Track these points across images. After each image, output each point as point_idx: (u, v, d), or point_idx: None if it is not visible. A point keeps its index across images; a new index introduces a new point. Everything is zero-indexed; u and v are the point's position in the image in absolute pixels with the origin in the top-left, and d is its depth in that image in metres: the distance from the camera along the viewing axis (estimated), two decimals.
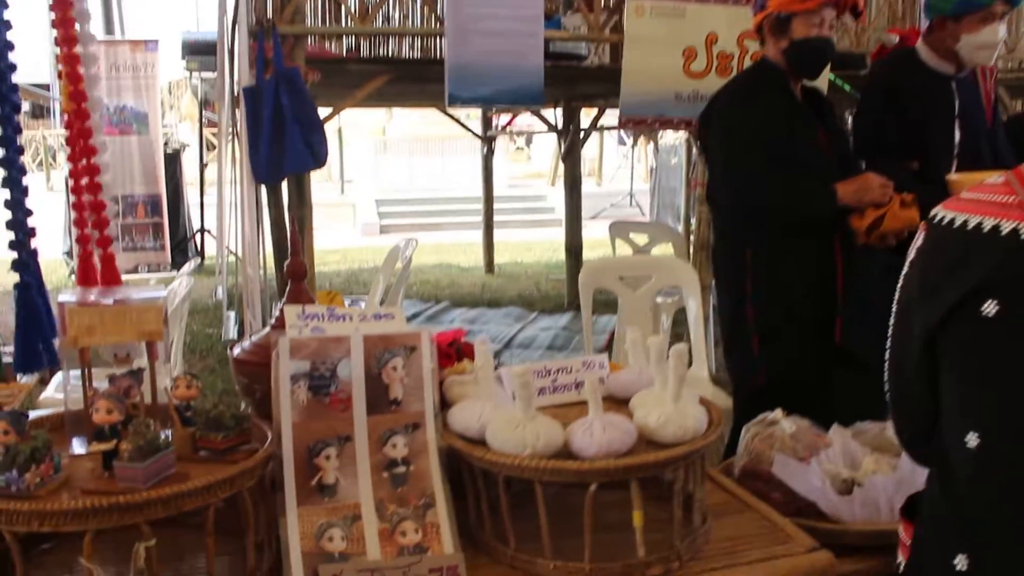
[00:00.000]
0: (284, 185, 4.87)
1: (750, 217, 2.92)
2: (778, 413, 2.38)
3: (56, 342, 3.06)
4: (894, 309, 1.57)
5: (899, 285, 1.54)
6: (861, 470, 2.24)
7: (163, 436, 1.64)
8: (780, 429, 2.35)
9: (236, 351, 2.20)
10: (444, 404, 2.00)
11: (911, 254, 1.51)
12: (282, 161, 4.43)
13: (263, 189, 5.38)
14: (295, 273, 2.26)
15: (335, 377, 1.79)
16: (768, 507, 2.10)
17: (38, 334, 2.70)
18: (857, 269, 2.94)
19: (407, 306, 8.18)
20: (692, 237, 6.40)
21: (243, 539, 1.71)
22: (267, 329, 2.25)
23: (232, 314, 6.92)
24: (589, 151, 18.80)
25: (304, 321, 1.99)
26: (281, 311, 2.15)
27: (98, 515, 1.47)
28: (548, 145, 19.64)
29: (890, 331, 1.58)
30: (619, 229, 5.81)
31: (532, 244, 13.39)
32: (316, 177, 18.11)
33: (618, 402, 2.06)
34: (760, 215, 2.89)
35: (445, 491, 1.82)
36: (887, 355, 1.61)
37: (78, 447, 1.78)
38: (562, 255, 11.43)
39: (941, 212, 1.48)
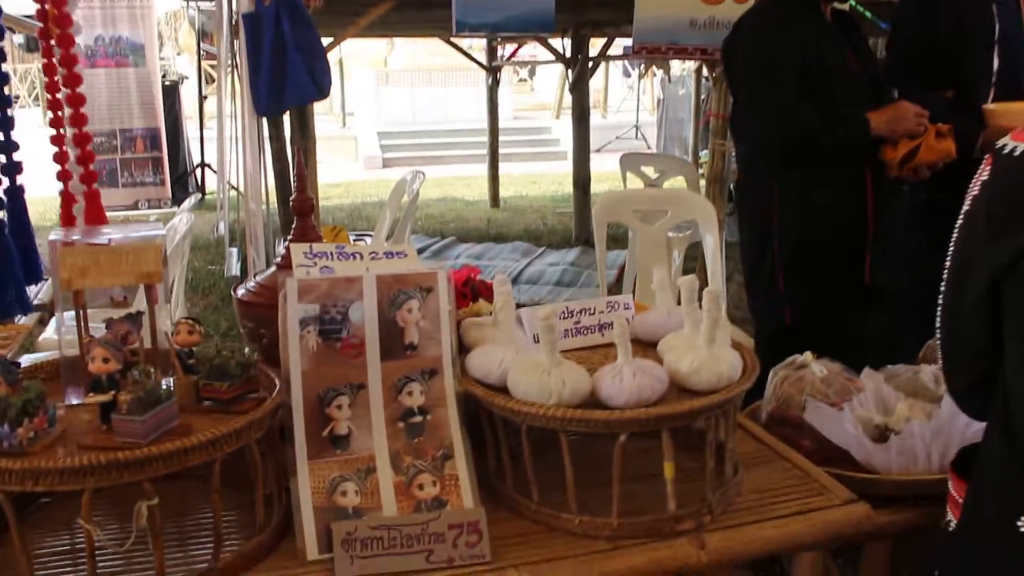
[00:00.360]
0: (286, 117, 4.72)
1: (778, 148, 2.77)
2: (808, 356, 2.28)
3: (40, 287, 2.90)
4: (952, 249, 1.45)
5: (960, 223, 1.42)
6: (894, 416, 2.14)
7: (164, 386, 1.53)
8: (810, 373, 2.24)
9: (240, 292, 2.09)
10: (461, 348, 1.90)
11: (974, 189, 1.39)
12: (283, 92, 4.27)
13: (264, 121, 5.23)
14: (302, 209, 2.14)
15: (346, 321, 1.68)
16: (800, 456, 2.00)
17: (10, 278, 2.53)
18: (888, 204, 2.80)
19: (412, 241, 8.05)
20: (702, 170, 6.26)
21: (251, 492, 1.61)
22: (272, 268, 2.14)
23: (234, 250, 6.80)
24: (594, 82, 18.45)
25: (312, 260, 1.87)
26: (287, 249, 2.04)
27: (96, 473, 1.37)
28: (552, 76, 19.35)
29: (946, 272, 1.46)
30: (630, 161, 5.65)
31: (537, 177, 13.21)
32: (317, 110, 17.85)
33: (644, 345, 1.96)
34: (789, 146, 2.74)
35: (464, 442, 1.72)
36: (941, 298, 1.49)
37: (74, 397, 1.67)
38: (568, 188, 11.28)
39: (1010, 143, 1.35)
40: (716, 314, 1.71)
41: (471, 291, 2.30)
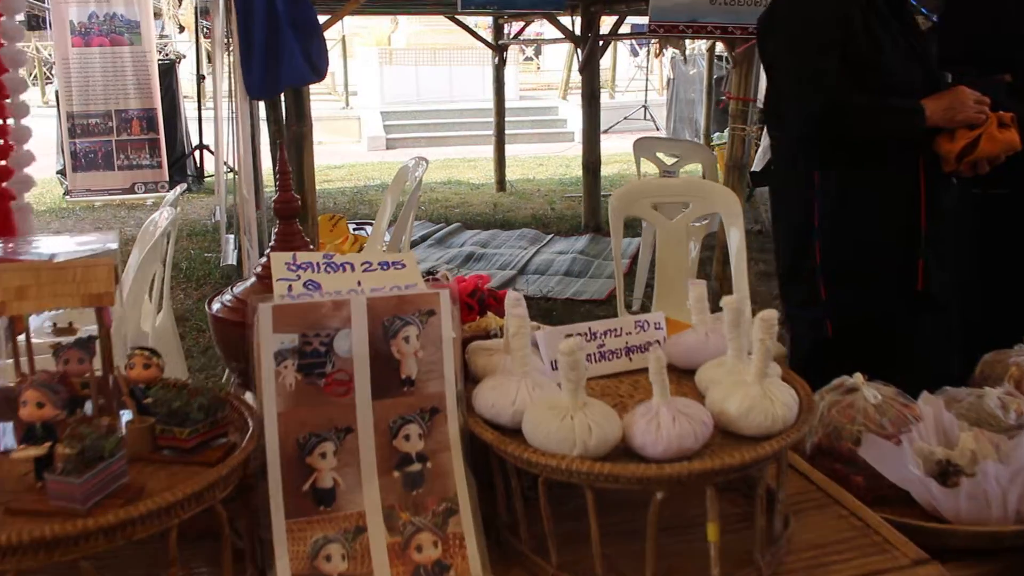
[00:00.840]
0: (282, 98, 4.44)
1: (822, 137, 2.47)
2: (858, 378, 2.02)
3: None
4: None
5: None
6: (957, 449, 1.89)
7: (117, 434, 1.28)
8: (861, 398, 1.99)
9: (215, 306, 1.83)
10: (467, 376, 1.64)
11: None
12: (278, 74, 3.99)
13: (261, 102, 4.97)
14: (285, 211, 1.88)
15: (331, 353, 1.41)
16: (854, 500, 1.74)
17: None
18: (942, 201, 2.52)
19: (416, 229, 7.78)
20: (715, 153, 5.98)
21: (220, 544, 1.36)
22: (252, 279, 1.88)
23: (231, 237, 6.54)
24: (602, 62, 18.17)
25: (295, 272, 1.61)
26: (267, 258, 1.79)
27: (18, 553, 1.11)
28: (558, 56, 19.02)
29: None
30: (644, 147, 5.38)
31: (544, 159, 12.92)
32: (318, 89, 17.62)
33: (679, 374, 1.70)
34: (834, 135, 2.45)
35: (471, 492, 1.46)
36: None
37: (8, 439, 1.41)
38: (576, 171, 11.02)
39: None
40: (770, 343, 1.45)
41: (479, 303, 2.04)
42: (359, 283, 1.60)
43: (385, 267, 1.68)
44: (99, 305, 1.42)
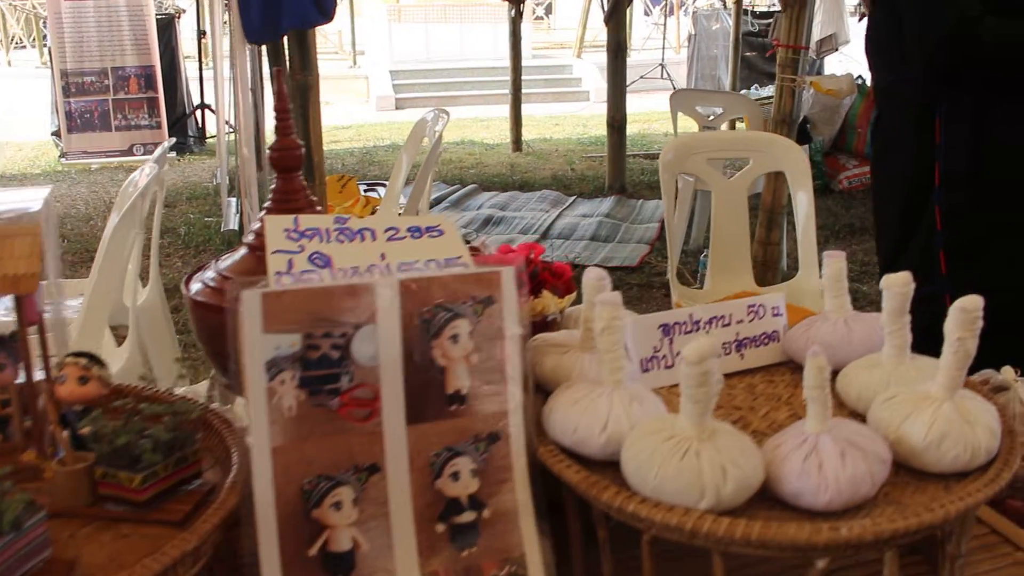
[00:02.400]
0: (286, 45, 3.98)
1: (948, 64, 1.97)
2: (1008, 373, 1.58)
3: None
4: None
5: None
6: None
7: (22, 496, 0.86)
8: (1016, 400, 1.55)
9: (194, 285, 1.41)
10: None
11: None
12: (279, 14, 3.54)
13: (263, 53, 4.52)
14: (284, 161, 1.46)
15: (348, 361, 1.00)
16: None
17: None
18: None
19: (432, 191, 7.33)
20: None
21: None
22: (242, 250, 1.46)
23: (233, 200, 6.11)
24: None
25: (297, 241, 1.20)
26: (261, 222, 1.38)
27: None
28: (571, 14, 18.46)
29: None
30: (682, 100, 4.91)
31: (559, 119, 12.42)
32: (324, 48, 17.06)
33: (798, 371, 1.28)
34: (967, 66, 1.95)
35: (544, 550, 1.05)
36: None
37: None
38: (593, 131, 10.56)
39: None
40: (971, 344, 1.03)
41: (531, 279, 1.62)
42: (383, 256, 1.19)
43: (416, 233, 1.26)
44: (17, 292, 1.00)
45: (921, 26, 1.96)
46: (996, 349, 1.76)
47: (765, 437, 1.09)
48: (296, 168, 1.47)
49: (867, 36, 2.20)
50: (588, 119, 11.90)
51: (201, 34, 9.79)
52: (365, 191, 5.43)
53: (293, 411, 0.97)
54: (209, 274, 1.41)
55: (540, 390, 1.21)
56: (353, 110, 13.86)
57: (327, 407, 0.99)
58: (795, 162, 3.00)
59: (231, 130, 6.56)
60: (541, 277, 1.63)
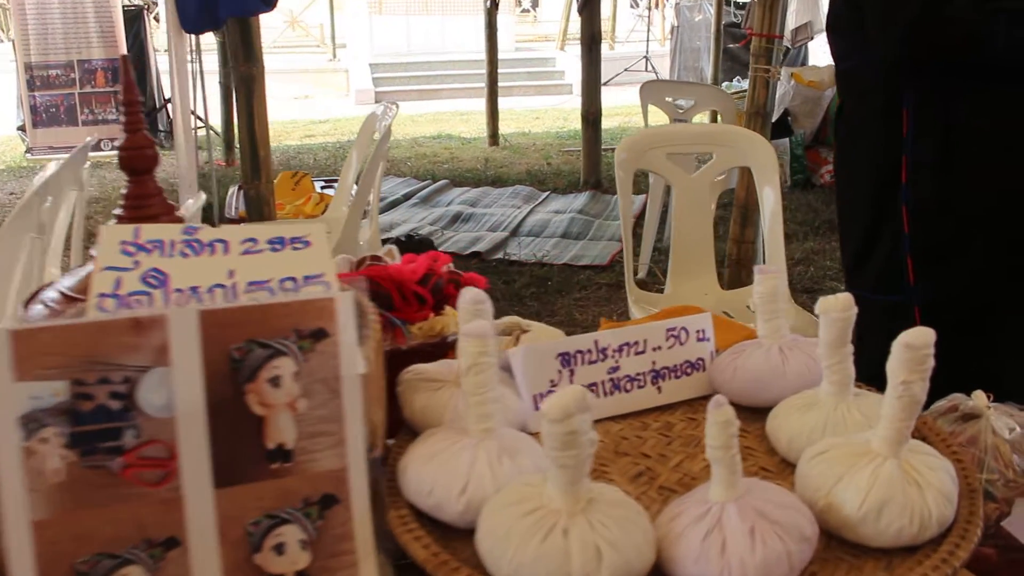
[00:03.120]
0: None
1: (914, 56, 1.74)
2: (980, 399, 1.38)
3: None
4: None
5: None
6: None
7: None
8: (987, 429, 1.36)
9: (34, 309, 1.20)
10: (400, 426, 1.03)
11: None
12: (216, 2, 3.33)
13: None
14: (134, 162, 1.26)
15: (133, 412, 0.79)
16: None
17: None
18: None
19: (398, 186, 7.10)
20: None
21: None
22: (88, 266, 1.25)
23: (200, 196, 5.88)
24: (601, 11, 17.43)
25: (134, 255, 1.00)
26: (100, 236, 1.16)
27: None
28: (556, 7, 18.25)
29: None
30: (652, 91, 4.70)
31: (540, 112, 12.20)
32: (303, 42, 16.84)
33: (745, 420, 1.07)
34: (931, 49, 1.72)
35: None
36: None
37: None
38: (574, 124, 10.33)
39: None
40: (919, 388, 0.82)
41: (433, 294, 1.41)
42: (231, 274, 0.99)
43: (277, 246, 1.06)
44: None
45: (884, 14, 1.74)
46: (967, 371, 1.57)
47: (673, 495, 0.89)
48: (149, 169, 1.26)
49: (828, 17, 1.99)
50: (569, 112, 11.68)
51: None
52: (322, 188, 5.21)
53: (60, 475, 0.77)
54: (50, 294, 1.21)
55: (410, 428, 1.00)
56: (332, 104, 13.64)
57: (106, 469, 0.78)
58: (761, 156, 2.81)
59: (202, 124, 6.36)
60: (445, 291, 1.43)
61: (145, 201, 1.25)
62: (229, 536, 0.82)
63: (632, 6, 20.26)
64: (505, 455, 0.86)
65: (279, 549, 0.83)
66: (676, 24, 11.83)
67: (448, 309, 1.37)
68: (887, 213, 1.85)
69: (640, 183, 6.42)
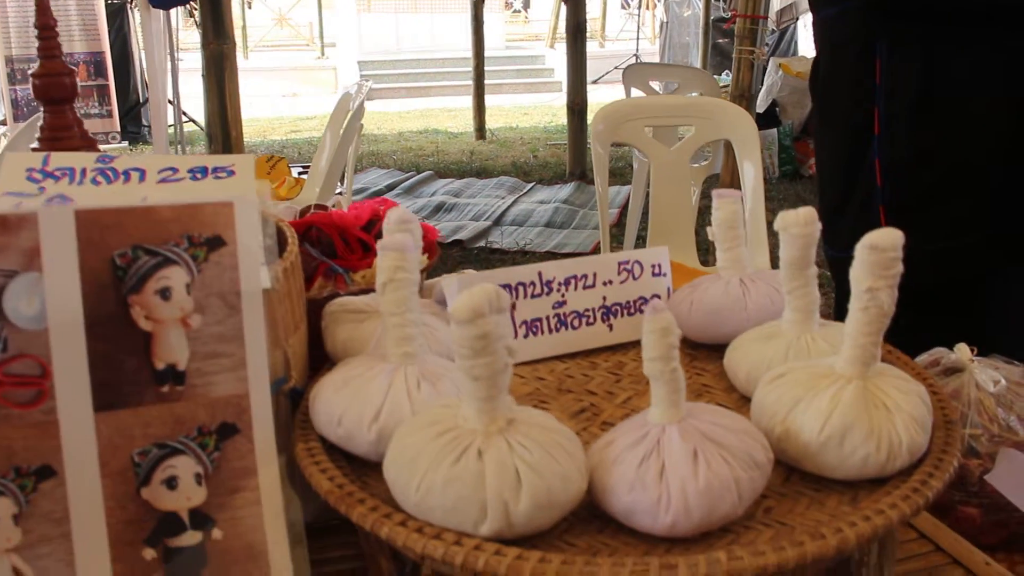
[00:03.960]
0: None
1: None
2: (963, 352, 1.30)
3: None
4: None
5: None
6: None
7: None
8: (970, 383, 1.27)
9: None
10: (325, 359, 0.94)
11: None
12: None
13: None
14: (49, 90, 1.18)
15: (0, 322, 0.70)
16: (980, 558, 1.05)
17: None
18: None
19: (381, 177, 7.01)
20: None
21: None
22: None
23: None
24: (591, 10, 17.43)
25: (40, 182, 0.94)
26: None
27: None
28: (547, 5, 18.19)
29: None
30: (636, 74, 4.61)
31: (529, 109, 12.11)
32: (293, 40, 16.77)
33: (692, 351, 0.99)
34: None
35: None
36: None
37: None
38: (562, 119, 10.24)
39: None
40: (886, 298, 0.73)
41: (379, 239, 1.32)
42: (143, 202, 0.90)
43: (199, 175, 0.99)
44: None
45: None
46: (945, 325, 1.48)
47: None
48: (66, 99, 1.18)
49: None
50: (559, 109, 11.57)
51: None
52: (299, 173, 5.11)
53: None
54: None
55: (333, 361, 0.91)
56: (320, 101, 13.53)
57: None
58: (742, 129, 2.72)
59: (187, 119, 6.28)
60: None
61: (63, 132, 1.17)
62: (112, 466, 0.73)
63: (623, 6, 20.20)
64: (425, 381, 0.77)
65: (170, 483, 0.74)
66: (665, 20, 11.76)
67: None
68: (860, 167, 1.76)
69: (627, 174, 6.34)
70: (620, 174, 6.65)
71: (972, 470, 1.19)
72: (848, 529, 0.63)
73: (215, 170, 0.99)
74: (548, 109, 11.90)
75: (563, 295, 0.98)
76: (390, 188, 6.61)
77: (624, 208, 5.36)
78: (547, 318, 0.97)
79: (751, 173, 2.66)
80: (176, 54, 5.98)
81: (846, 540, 0.63)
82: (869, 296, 0.71)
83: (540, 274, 0.97)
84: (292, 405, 0.86)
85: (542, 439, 0.66)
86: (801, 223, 0.83)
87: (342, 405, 0.76)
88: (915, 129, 1.70)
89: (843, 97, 1.82)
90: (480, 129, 9.20)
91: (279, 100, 13.31)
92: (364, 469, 0.77)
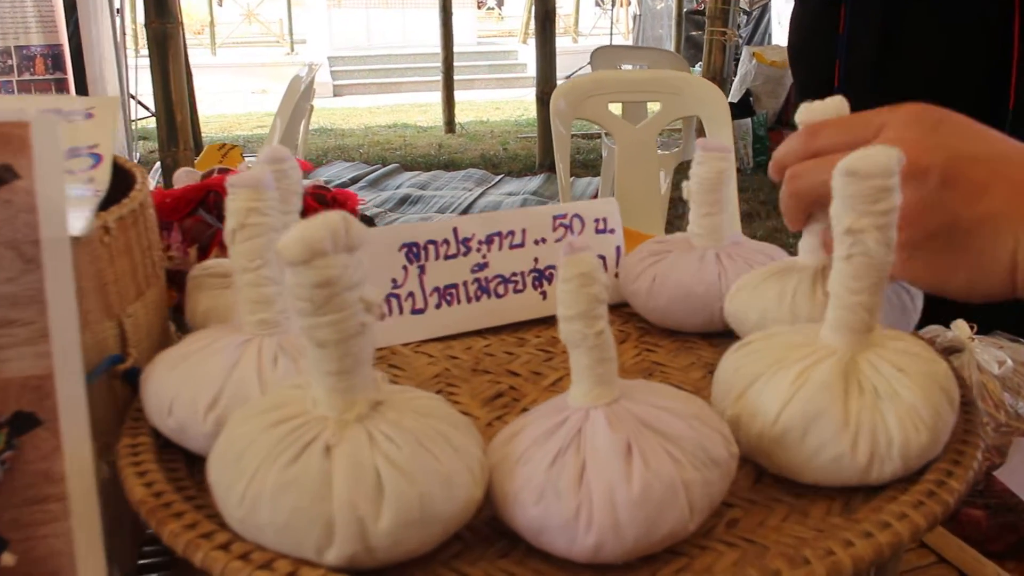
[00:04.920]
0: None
1: None
2: (961, 329, 1.12)
3: None
4: None
5: None
6: None
7: None
8: (971, 363, 1.10)
9: None
10: (181, 327, 0.75)
11: None
12: None
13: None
14: None
15: None
16: (1001, 574, 0.88)
17: None
18: None
19: (346, 170, 6.81)
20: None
21: None
22: None
23: None
24: (565, 6, 17.31)
25: None
26: None
27: None
28: (521, 2, 18.05)
29: None
30: (604, 57, 4.43)
31: (501, 103, 11.93)
32: (263, 38, 16.65)
33: (650, 335, 0.81)
34: None
35: None
36: None
37: None
38: (534, 113, 10.07)
39: None
40: (871, 240, 0.55)
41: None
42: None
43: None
44: None
45: None
46: (934, 301, 1.31)
47: None
48: None
49: None
50: (530, 103, 11.39)
51: (116, 12, 9.19)
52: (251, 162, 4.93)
53: None
54: None
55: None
56: None
57: None
58: (711, 104, 2.55)
59: (150, 114, 6.05)
60: (304, 202, 1.15)
61: None
62: None
63: (598, 4, 20.10)
64: (285, 356, 0.59)
65: None
66: (638, 13, 11.62)
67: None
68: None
69: (599, 166, 6.15)
70: (592, 165, 6.48)
71: (997, 477, 1.02)
72: (841, 551, 0.46)
73: (70, 112, 0.81)
74: (520, 103, 11.74)
75: (484, 256, 0.80)
76: (354, 181, 6.41)
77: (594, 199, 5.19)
78: (464, 284, 0.79)
79: None
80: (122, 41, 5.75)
81: (839, 566, 0.45)
82: (852, 240, 0.53)
83: (455, 230, 0.79)
84: (134, 391, 0.67)
85: (417, 429, 0.48)
86: (832, 113, 0.66)
87: (174, 388, 0.58)
88: (876, 80, 1.53)
89: (811, 50, 1.66)
90: (450, 123, 9.01)
91: (249, 96, 13.09)
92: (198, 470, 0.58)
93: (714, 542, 0.51)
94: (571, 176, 6.42)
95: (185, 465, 0.59)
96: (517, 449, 0.49)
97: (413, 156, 7.57)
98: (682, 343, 0.77)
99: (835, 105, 0.66)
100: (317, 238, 0.43)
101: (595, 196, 5.17)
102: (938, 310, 1.16)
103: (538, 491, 0.47)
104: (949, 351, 1.11)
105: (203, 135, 7.12)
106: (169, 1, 3.35)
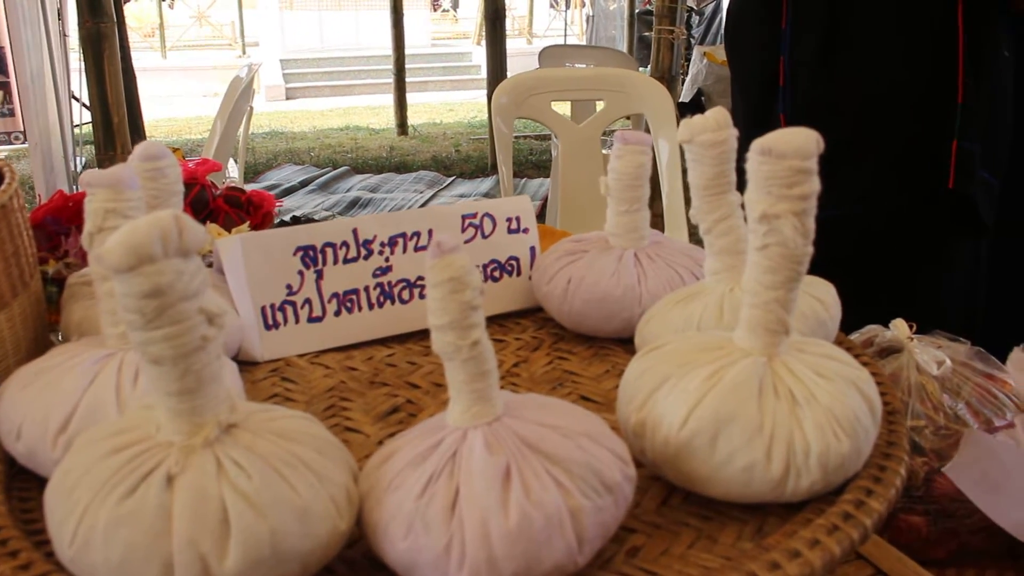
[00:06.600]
0: None
1: None
2: (900, 328, 1.09)
3: None
4: None
5: None
6: None
7: None
8: (910, 363, 1.07)
9: None
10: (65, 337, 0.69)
11: None
12: None
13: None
14: None
15: None
16: None
17: None
18: (989, 63, 1.53)
19: (295, 174, 6.71)
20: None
21: None
22: None
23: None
24: (519, 7, 17.33)
25: None
26: None
27: None
28: (476, 5, 18.02)
29: None
30: (552, 56, 4.40)
31: (455, 105, 11.87)
32: (214, 40, 16.49)
33: (567, 344, 0.77)
34: None
35: None
36: None
37: None
38: (487, 114, 10.03)
39: None
40: (788, 227, 0.50)
41: (195, 208, 1.09)
42: None
43: None
44: None
45: None
46: (871, 300, 1.28)
47: None
48: None
49: None
50: (484, 105, 11.38)
51: (59, 10, 9.03)
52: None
53: None
54: None
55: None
56: None
57: None
58: (655, 101, 2.51)
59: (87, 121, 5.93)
60: (212, 205, 1.10)
61: None
62: None
63: (552, 6, 20.12)
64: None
65: None
66: (591, 13, 11.62)
67: (211, 226, 1.04)
68: (766, 122, 1.56)
69: (547, 167, 6.14)
70: (544, 167, 6.44)
71: (916, 470, 0.98)
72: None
73: None
74: (474, 105, 11.68)
75: (387, 259, 0.75)
76: (304, 184, 6.32)
77: (545, 202, 5.14)
78: (365, 289, 0.74)
79: (667, 149, 2.46)
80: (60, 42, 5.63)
81: None
82: (767, 228, 0.49)
83: (355, 231, 0.74)
84: None
85: (274, 455, 0.43)
86: (712, 128, 0.61)
87: (23, 409, 0.53)
88: (820, 77, 1.50)
89: (750, 45, 1.62)
90: (402, 125, 8.94)
91: (199, 100, 12.93)
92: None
93: (611, 574, 0.46)
94: (523, 177, 6.40)
95: (39, 494, 0.54)
96: (388, 474, 0.45)
97: (364, 159, 7.49)
98: (597, 349, 0.72)
99: (718, 118, 0.62)
100: (144, 242, 0.38)
101: (546, 200, 5.12)
102: (876, 310, 1.13)
103: (407, 523, 0.42)
104: (887, 352, 1.08)
105: (150, 139, 6.99)
106: (103, 1, 3.26)
